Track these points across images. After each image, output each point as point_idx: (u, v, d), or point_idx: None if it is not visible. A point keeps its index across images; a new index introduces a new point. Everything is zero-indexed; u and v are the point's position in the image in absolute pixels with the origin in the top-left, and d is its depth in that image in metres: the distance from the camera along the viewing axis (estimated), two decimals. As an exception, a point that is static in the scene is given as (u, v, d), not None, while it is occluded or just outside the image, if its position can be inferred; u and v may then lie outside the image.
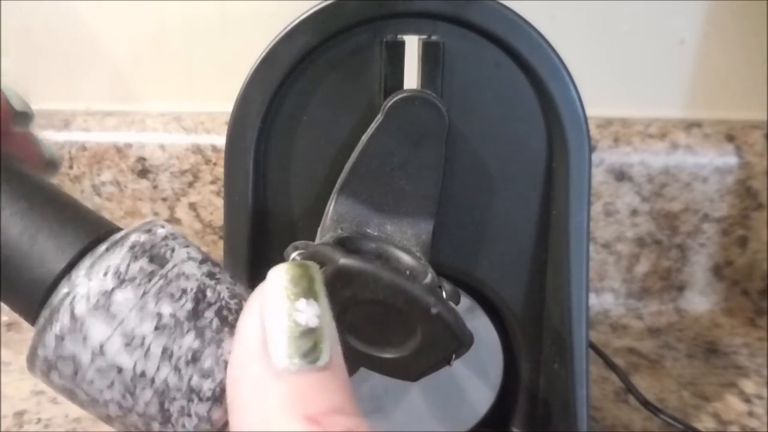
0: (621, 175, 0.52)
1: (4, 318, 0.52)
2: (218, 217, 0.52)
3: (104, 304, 0.16)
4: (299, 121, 0.29)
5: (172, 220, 0.52)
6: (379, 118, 0.27)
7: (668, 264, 0.54)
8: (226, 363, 0.17)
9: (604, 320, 0.53)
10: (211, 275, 0.18)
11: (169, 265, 0.17)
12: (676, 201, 0.53)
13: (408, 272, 0.26)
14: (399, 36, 0.28)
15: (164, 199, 0.52)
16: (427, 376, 0.26)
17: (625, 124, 0.52)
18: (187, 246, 0.18)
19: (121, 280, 0.16)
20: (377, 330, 0.25)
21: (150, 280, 0.17)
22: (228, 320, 0.17)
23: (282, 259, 0.27)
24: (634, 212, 0.53)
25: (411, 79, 0.28)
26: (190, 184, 0.51)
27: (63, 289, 0.16)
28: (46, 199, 0.18)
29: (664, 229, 0.53)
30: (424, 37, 0.28)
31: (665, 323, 0.53)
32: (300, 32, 0.27)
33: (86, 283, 0.16)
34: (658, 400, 0.42)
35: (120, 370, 0.16)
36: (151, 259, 0.17)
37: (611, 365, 0.44)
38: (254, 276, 0.30)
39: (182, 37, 0.52)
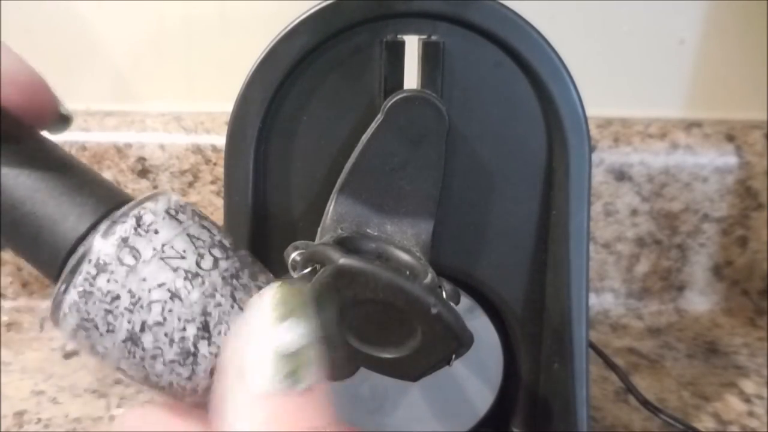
0: (621, 175, 0.52)
1: (4, 318, 0.52)
2: (218, 217, 0.52)
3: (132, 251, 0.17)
4: (299, 121, 0.29)
5: (172, 220, 0.52)
6: (379, 118, 0.27)
7: (668, 264, 0.54)
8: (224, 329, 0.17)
9: (604, 320, 0.53)
10: (221, 246, 0.19)
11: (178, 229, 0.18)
12: (676, 201, 0.53)
13: (408, 272, 0.26)
14: (399, 36, 0.28)
15: (164, 199, 0.52)
16: (427, 376, 0.26)
17: (625, 124, 0.52)
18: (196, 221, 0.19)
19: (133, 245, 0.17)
20: (377, 330, 0.25)
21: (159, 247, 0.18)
22: (232, 282, 0.18)
23: (282, 259, 0.27)
24: (634, 212, 0.53)
25: (411, 79, 0.28)
26: (190, 184, 0.51)
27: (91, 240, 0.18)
28: (72, 165, 0.20)
29: (664, 229, 0.53)
30: (424, 37, 0.28)
31: (665, 323, 0.53)
32: (300, 32, 0.27)
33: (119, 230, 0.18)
34: (658, 400, 0.42)
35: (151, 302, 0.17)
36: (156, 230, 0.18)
37: (611, 365, 0.44)
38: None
39: (182, 37, 0.52)
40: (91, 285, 0.17)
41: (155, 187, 0.51)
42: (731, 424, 0.41)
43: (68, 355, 0.47)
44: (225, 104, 0.29)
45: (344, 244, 0.26)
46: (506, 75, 0.28)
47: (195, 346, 0.17)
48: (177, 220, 0.18)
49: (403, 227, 0.28)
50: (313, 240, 0.28)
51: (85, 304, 0.17)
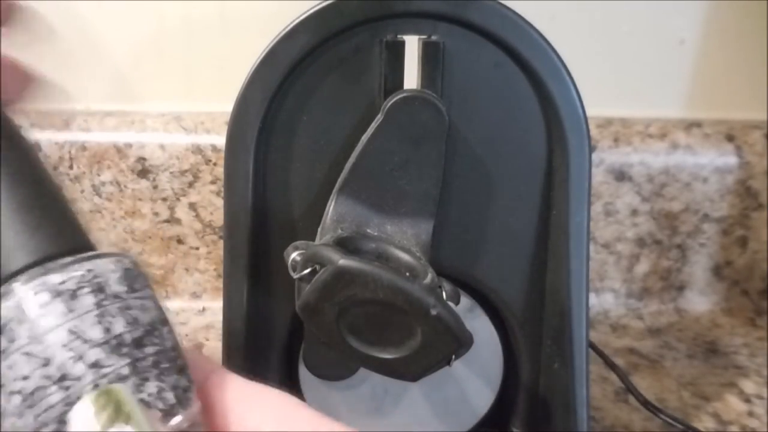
0: (621, 175, 0.52)
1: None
2: (218, 217, 0.52)
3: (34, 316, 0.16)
4: (299, 121, 0.29)
5: (172, 220, 0.52)
6: (379, 118, 0.27)
7: (668, 264, 0.54)
8: None
9: (604, 320, 0.53)
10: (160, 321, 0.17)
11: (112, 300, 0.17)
12: (676, 201, 0.53)
13: (408, 272, 0.26)
14: (399, 36, 0.28)
15: (164, 199, 0.52)
16: (427, 376, 0.26)
17: (625, 124, 0.52)
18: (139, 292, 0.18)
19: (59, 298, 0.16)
20: (377, 330, 0.25)
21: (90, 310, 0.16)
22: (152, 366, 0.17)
23: (282, 259, 0.27)
24: (634, 212, 0.53)
25: (411, 79, 0.28)
26: (190, 184, 0.51)
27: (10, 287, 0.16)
28: (38, 193, 0.18)
29: (664, 229, 0.53)
30: (424, 37, 0.28)
31: (665, 323, 0.53)
32: (300, 32, 0.27)
33: (26, 292, 0.16)
34: (658, 400, 0.42)
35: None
36: (97, 292, 0.17)
37: (611, 365, 0.44)
38: (254, 276, 0.30)
39: (182, 37, 0.52)
40: None
41: (155, 188, 0.51)
42: (731, 424, 0.41)
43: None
44: (225, 104, 0.29)
45: (344, 245, 0.26)
46: (506, 75, 0.28)
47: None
48: (67, 308, 0.16)
49: (403, 227, 0.28)
50: (313, 240, 0.28)
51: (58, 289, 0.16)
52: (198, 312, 0.53)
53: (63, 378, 0.16)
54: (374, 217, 0.28)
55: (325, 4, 0.27)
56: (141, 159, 0.51)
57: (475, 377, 0.33)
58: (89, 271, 0.17)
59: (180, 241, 0.53)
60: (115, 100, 0.54)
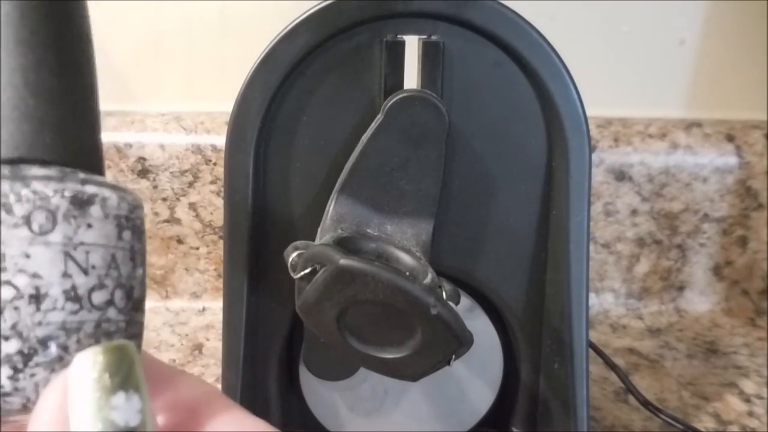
0: (621, 175, 0.52)
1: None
2: (218, 217, 0.52)
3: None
4: (299, 121, 0.29)
5: (172, 220, 0.52)
6: (379, 118, 0.27)
7: (668, 264, 0.54)
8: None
9: (604, 320, 0.53)
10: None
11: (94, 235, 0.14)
12: (676, 201, 0.53)
13: (408, 272, 0.26)
14: (399, 36, 0.28)
15: (164, 199, 0.52)
16: (427, 376, 0.26)
17: (625, 124, 0.52)
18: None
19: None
20: (377, 330, 0.25)
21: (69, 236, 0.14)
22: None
23: (282, 259, 0.27)
24: (634, 212, 0.53)
25: (411, 79, 0.28)
26: (190, 184, 0.51)
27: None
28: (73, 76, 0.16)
29: (664, 229, 0.53)
30: (424, 37, 0.28)
31: (665, 323, 0.53)
32: (300, 32, 0.27)
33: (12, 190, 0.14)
34: (658, 400, 0.42)
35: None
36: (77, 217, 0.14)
37: (611, 365, 0.44)
38: (254, 276, 0.30)
39: (182, 37, 0.52)
40: None
41: (155, 187, 0.51)
42: (731, 424, 0.41)
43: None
44: (225, 104, 0.29)
45: (344, 245, 0.26)
46: (506, 75, 0.28)
47: (6, 360, 0.14)
48: (119, 232, 0.15)
49: (403, 227, 0.28)
50: (313, 240, 0.28)
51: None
52: (198, 312, 0.53)
53: (77, 300, 0.14)
54: (374, 217, 0.28)
55: (325, 4, 0.27)
56: (141, 159, 0.51)
57: (475, 377, 0.33)
58: (128, 203, 0.15)
59: (180, 241, 0.53)
60: (115, 100, 0.54)
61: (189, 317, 0.52)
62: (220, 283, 0.49)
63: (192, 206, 0.52)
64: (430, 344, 0.24)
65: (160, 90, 0.53)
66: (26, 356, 0.14)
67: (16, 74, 0.15)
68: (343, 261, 0.23)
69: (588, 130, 0.29)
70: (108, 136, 0.52)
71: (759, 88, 0.54)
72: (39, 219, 0.14)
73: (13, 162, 0.14)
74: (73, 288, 0.14)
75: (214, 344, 0.48)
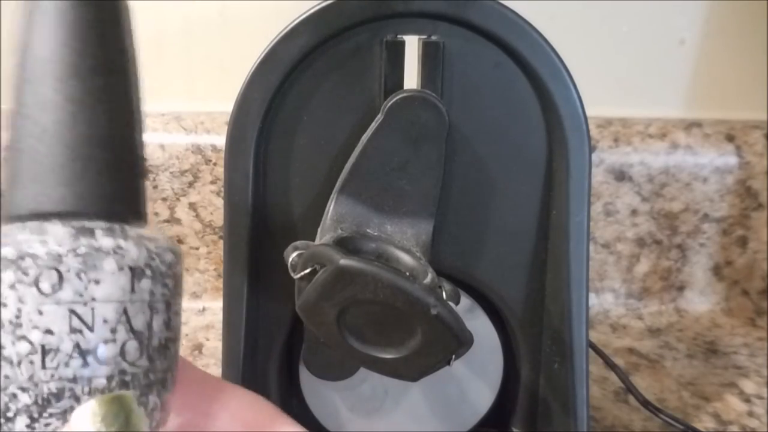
0: (621, 175, 0.52)
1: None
2: (218, 217, 0.52)
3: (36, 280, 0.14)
4: (299, 121, 0.29)
5: (172, 220, 0.52)
6: (379, 118, 0.27)
7: (668, 264, 0.54)
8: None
9: (604, 320, 0.53)
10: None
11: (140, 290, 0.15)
12: (676, 201, 0.53)
13: (408, 272, 0.26)
14: (399, 36, 0.28)
15: (164, 199, 0.52)
16: (427, 376, 0.26)
17: (625, 124, 0.52)
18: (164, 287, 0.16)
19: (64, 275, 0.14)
20: (377, 330, 0.25)
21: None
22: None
23: (282, 259, 0.27)
24: (634, 212, 0.53)
25: (411, 79, 0.28)
26: (190, 184, 0.51)
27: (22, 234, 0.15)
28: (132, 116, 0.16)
29: (664, 229, 0.53)
30: (424, 37, 0.28)
31: (665, 323, 0.53)
32: (300, 32, 0.27)
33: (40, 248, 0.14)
34: (658, 400, 0.42)
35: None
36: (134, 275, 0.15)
37: (611, 365, 0.44)
38: (254, 276, 0.30)
39: (182, 37, 0.52)
40: None
41: (155, 187, 0.51)
42: (731, 424, 0.41)
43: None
44: (225, 104, 0.29)
45: (344, 245, 0.26)
46: (506, 75, 0.28)
47: (15, 414, 0.14)
48: (131, 285, 0.15)
49: (403, 227, 0.28)
50: (313, 240, 0.28)
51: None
52: (198, 312, 0.53)
53: (86, 354, 0.14)
54: (374, 217, 0.28)
55: (325, 4, 0.27)
56: (141, 159, 0.51)
57: (475, 377, 0.33)
58: (149, 251, 0.15)
59: (180, 241, 0.53)
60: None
61: (189, 317, 0.52)
62: (220, 283, 0.49)
63: (192, 206, 0.52)
64: (430, 344, 0.24)
65: (160, 90, 0.53)
66: (41, 407, 0.14)
67: (50, 122, 0.15)
68: (343, 261, 0.23)
69: (588, 130, 0.29)
70: (108, 136, 0.52)
71: (759, 88, 0.54)
72: (49, 279, 0.14)
73: (33, 217, 0.15)
74: (81, 344, 0.14)
75: (214, 344, 0.48)
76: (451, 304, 0.25)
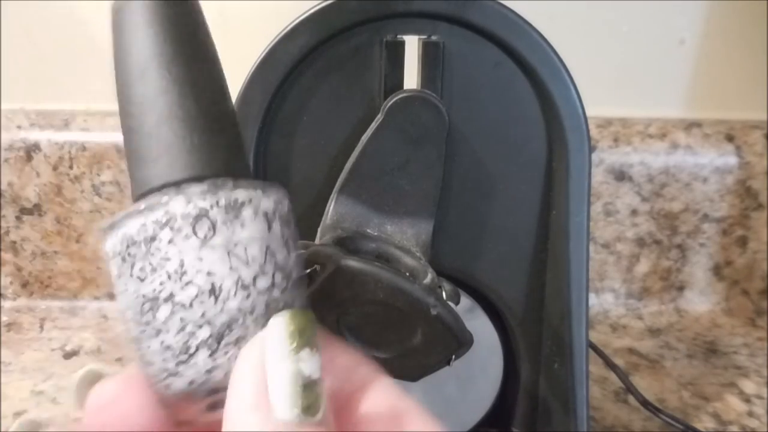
0: (621, 175, 0.52)
1: (4, 318, 0.52)
2: (218, 217, 0.52)
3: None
4: (299, 121, 0.29)
5: (172, 220, 0.52)
6: (379, 118, 0.27)
7: (668, 264, 0.54)
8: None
9: (604, 320, 0.53)
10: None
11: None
12: (676, 201, 0.53)
13: (408, 273, 0.26)
14: (399, 36, 0.28)
15: (164, 199, 0.52)
16: (427, 376, 0.26)
17: (625, 124, 0.52)
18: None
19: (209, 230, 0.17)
20: (377, 330, 0.25)
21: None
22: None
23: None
24: (634, 212, 0.53)
25: (411, 79, 0.28)
26: (190, 184, 0.51)
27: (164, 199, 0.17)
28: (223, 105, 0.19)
29: (664, 229, 0.53)
30: (424, 37, 0.28)
31: (665, 323, 0.53)
32: (300, 32, 0.27)
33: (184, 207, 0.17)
34: (658, 400, 0.42)
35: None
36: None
37: (611, 365, 0.44)
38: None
39: (182, 37, 0.52)
40: (154, 231, 0.16)
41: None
42: (731, 424, 0.41)
43: (68, 355, 0.47)
44: (225, 104, 0.29)
45: (344, 245, 0.26)
46: (506, 75, 0.28)
47: (197, 348, 0.16)
48: (268, 226, 0.18)
49: (403, 227, 0.28)
50: (313, 240, 0.28)
51: (135, 243, 0.16)
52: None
53: (246, 287, 0.17)
54: (374, 217, 0.28)
55: (325, 4, 0.27)
56: (141, 159, 0.51)
57: (475, 377, 0.33)
58: (274, 199, 0.18)
59: (180, 241, 0.53)
60: (115, 101, 0.54)
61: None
62: (220, 283, 0.49)
63: (192, 206, 0.52)
64: (430, 344, 0.24)
65: (160, 90, 0.53)
66: (217, 338, 0.16)
67: (164, 105, 0.18)
68: (344, 261, 0.23)
69: (588, 130, 0.29)
70: (108, 136, 0.52)
71: (759, 88, 0.54)
72: (203, 229, 0.16)
73: (175, 184, 0.17)
74: (240, 279, 0.17)
75: (214, 344, 0.48)
76: (451, 304, 0.25)
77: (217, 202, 0.17)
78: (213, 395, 0.17)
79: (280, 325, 0.16)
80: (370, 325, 0.25)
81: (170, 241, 0.16)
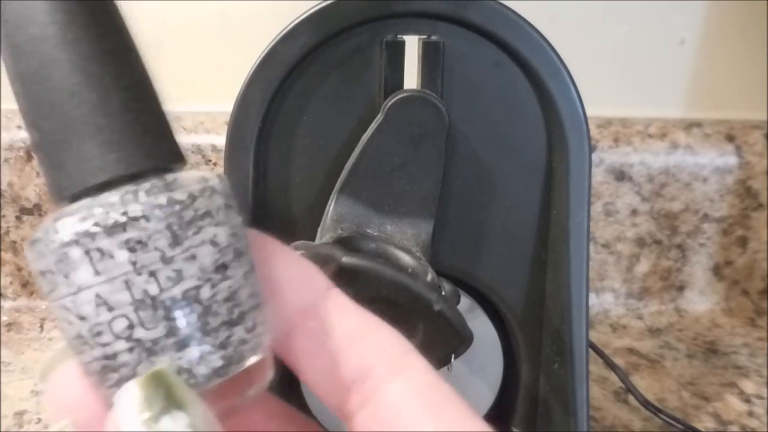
0: (621, 175, 0.52)
1: (4, 318, 0.52)
2: (218, 217, 0.52)
3: (97, 248, 0.14)
4: (299, 121, 0.29)
5: (172, 220, 0.52)
6: (379, 118, 0.27)
7: (668, 264, 0.54)
8: None
9: (604, 320, 0.53)
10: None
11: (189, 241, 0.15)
12: (676, 201, 0.53)
13: (409, 271, 0.26)
14: (399, 36, 0.28)
15: (164, 199, 0.52)
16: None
17: (625, 124, 0.52)
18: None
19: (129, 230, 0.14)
20: (377, 330, 0.25)
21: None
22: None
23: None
24: (634, 212, 0.53)
25: (411, 79, 0.28)
26: (190, 184, 0.51)
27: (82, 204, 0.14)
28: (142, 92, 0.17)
29: (664, 229, 0.53)
30: (424, 37, 0.28)
31: (665, 323, 0.53)
32: (300, 32, 0.27)
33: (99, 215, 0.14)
34: (658, 400, 0.42)
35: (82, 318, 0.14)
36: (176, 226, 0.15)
37: (611, 365, 0.44)
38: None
39: (182, 37, 0.52)
40: (120, 230, 0.14)
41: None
42: (731, 424, 0.41)
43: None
44: (225, 104, 0.29)
45: (344, 244, 0.26)
46: (506, 75, 0.28)
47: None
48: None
49: (403, 227, 0.28)
50: (313, 240, 0.28)
51: (90, 240, 0.14)
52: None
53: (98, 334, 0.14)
54: (374, 217, 0.28)
55: (325, 4, 0.27)
56: (141, 159, 0.51)
57: (475, 377, 0.33)
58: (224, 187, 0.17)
59: (180, 241, 0.53)
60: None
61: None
62: (220, 283, 0.49)
63: (192, 206, 0.52)
64: (431, 342, 0.24)
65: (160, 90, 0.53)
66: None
67: (82, 95, 0.15)
68: (346, 259, 0.23)
69: (588, 130, 0.29)
70: (108, 136, 0.52)
71: (759, 88, 0.54)
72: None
73: (90, 190, 0.15)
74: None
75: (214, 344, 0.48)
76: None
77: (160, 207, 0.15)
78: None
79: (127, 399, 0.14)
80: (370, 324, 0.25)
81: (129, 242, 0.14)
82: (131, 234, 0.14)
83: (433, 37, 0.28)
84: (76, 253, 0.14)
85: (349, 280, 0.23)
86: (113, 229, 0.14)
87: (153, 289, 0.14)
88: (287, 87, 0.28)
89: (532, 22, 0.28)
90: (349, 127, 0.28)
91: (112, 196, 0.15)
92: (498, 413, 0.34)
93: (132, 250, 0.14)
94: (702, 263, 0.54)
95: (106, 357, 0.15)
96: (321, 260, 0.24)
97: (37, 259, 0.15)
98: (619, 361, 0.46)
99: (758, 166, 0.52)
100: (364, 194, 0.28)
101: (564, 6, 0.51)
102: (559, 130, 0.28)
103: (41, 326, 0.51)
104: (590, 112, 0.29)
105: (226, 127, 0.29)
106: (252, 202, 0.29)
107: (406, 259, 0.27)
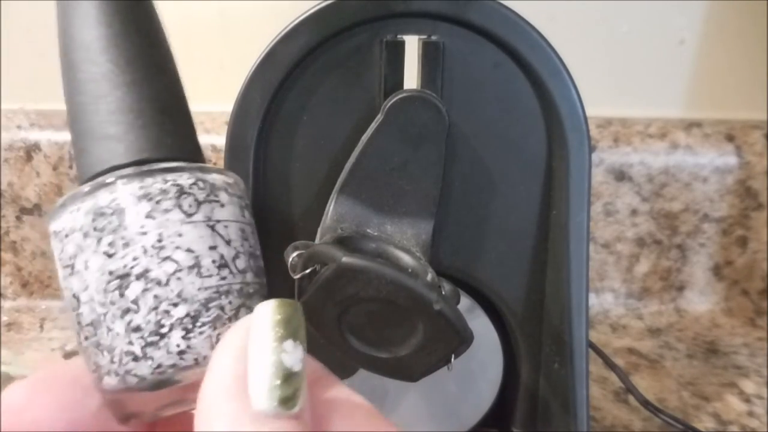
0: (621, 175, 0.52)
1: (4, 318, 0.52)
2: (218, 217, 0.52)
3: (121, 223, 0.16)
4: (299, 121, 0.29)
5: (172, 220, 0.52)
6: (379, 118, 0.27)
7: (668, 264, 0.54)
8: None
9: (604, 320, 0.53)
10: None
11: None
12: (676, 201, 0.53)
13: (409, 271, 0.26)
14: (399, 36, 0.28)
15: (164, 199, 0.52)
16: (428, 375, 0.26)
17: (625, 124, 0.52)
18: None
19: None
20: (378, 329, 0.25)
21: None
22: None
23: (282, 259, 0.27)
24: (634, 212, 0.53)
25: (411, 79, 0.28)
26: (190, 184, 0.51)
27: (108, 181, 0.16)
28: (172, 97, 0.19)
29: (664, 229, 0.53)
30: (424, 37, 0.28)
31: (665, 323, 0.53)
32: (300, 32, 0.27)
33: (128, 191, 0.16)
34: (658, 400, 0.42)
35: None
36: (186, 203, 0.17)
37: (611, 365, 0.44)
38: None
39: (182, 37, 0.52)
40: (128, 202, 0.16)
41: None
42: (731, 424, 0.41)
43: (68, 355, 0.47)
44: (225, 104, 0.29)
45: (344, 244, 0.26)
46: (506, 75, 0.28)
47: (170, 328, 0.15)
48: (242, 211, 0.17)
49: (403, 227, 0.28)
50: (313, 240, 0.28)
51: (104, 215, 0.15)
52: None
53: (225, 266, 0.16)
54: (374, 217, 0.28)
55: (325, 4, 0.27)
56: (141, 159, 0.51)
57: (475, 377, 0.33)
58: (242, 187, 0.18)
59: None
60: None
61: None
62: (220, 283, 0.49)
63: (192, 206, 0.52)
64: (431, 342, 0.24)
65: (160, 90, 0.53)
66: (193, 318, 0.16)
67: (132, 89, 0.18)
68: (346, 258, 0.23)
69: (588, 130, 0.29)
70: (108, 136, 0.51)
71: (759, 88, 0.54)
72: (185, 204, 0.16)
73: (156, 160, 0.17)
74: (221, 257, 0.16)
75: (214, 344, 0.48)
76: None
77: (198, 182, 0.16)
78: (171, 386, 0.16)
79: (267, 313, 0.15)
80: (370, 324, 0.25)
81: (148, 215, 0.15)
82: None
83: (433, 37, 0.28)
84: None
85: (349, 280, 0.23)
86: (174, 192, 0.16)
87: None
88: (287, 87, 0.28)
89: (532, 22, 0.28)
90: (349, 127, 0.28)
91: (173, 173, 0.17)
92: (498, 413, 0.34)
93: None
94: (702, 263, 0.54)
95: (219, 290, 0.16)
96: (321, 260, 0.24)
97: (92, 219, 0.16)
98: (619, 361, 0.46)
99: (758, 166, 0.52)
100: (364, 194, 0.28)
101: (564, 6, 0.51)
102: (559, 130, 0.28)
103: (41, 326, 0.51)
104: (590, 112, 0.29)
105: (226, 127, 0.29)
106: (252, 202, 0.29)
107: (406, 259, 0.27)
